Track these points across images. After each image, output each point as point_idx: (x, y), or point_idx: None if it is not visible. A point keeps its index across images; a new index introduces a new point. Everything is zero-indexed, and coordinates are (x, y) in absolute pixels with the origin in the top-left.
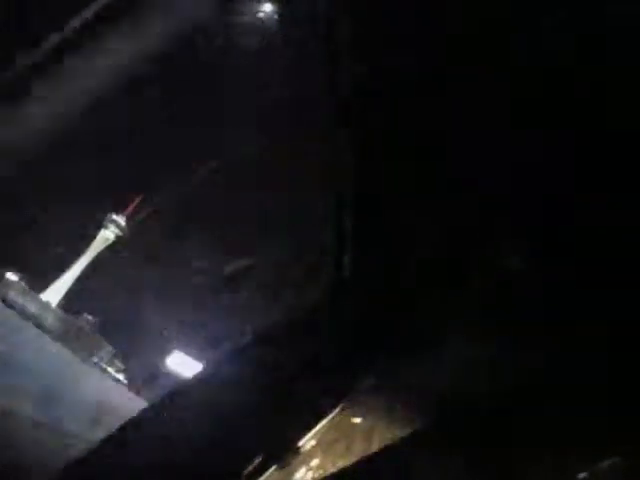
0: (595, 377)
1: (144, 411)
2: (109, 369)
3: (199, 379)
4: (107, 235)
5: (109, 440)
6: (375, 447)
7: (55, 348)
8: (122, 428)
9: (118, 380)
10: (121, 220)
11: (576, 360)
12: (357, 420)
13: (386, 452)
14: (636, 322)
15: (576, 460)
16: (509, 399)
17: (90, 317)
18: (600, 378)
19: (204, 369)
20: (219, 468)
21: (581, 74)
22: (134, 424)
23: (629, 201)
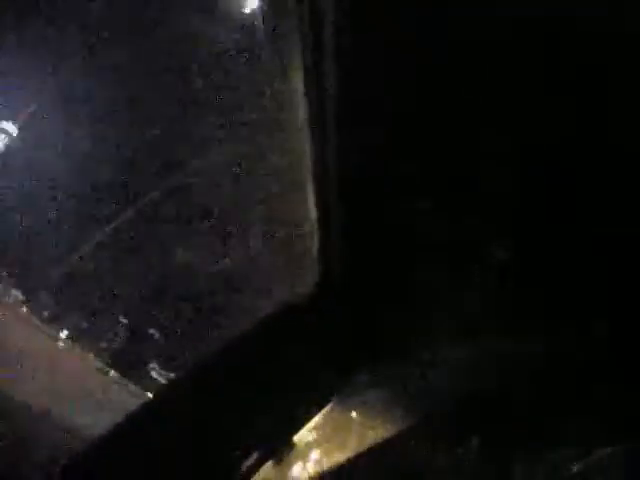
0: (597, 377)
1: (136, 408)
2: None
3: (194, 371)
4: None
5: (103, 439)
6: (371, 442)
7: None
8: (117, 424)
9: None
10: (13, 129)
11: (578, 359)
12: (353, 414)
13: (382, 447)
14: (635, 316)
15: (571, 452)
16: (508, 396)
17: None
18: (602, 377)
19: (194, 364)
20: (215, 464)
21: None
22: (128, 418)
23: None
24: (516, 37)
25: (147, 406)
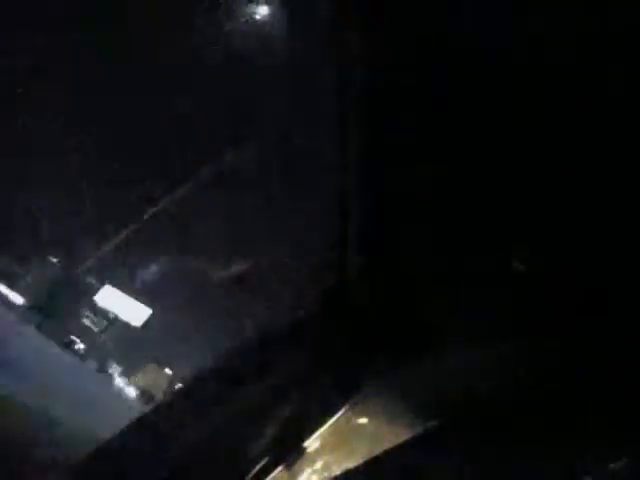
0: (598, 376)
1: (146, 413)
2: None
3: (201, 379)
4: None
5: (109, 443)
6: (380, 448)
7: None
8: (123, 430)
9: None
10: None
11: (579, 359)
12: (362, 421)
13: (391, 453)
14: (638, 321)
15: (582, 462)
16: (511, 399)
17: None
18: (603, 377)
19: (204, 369)
20: (224, 470)
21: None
22: (135, 425)
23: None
24: None
25: (156, 413)
